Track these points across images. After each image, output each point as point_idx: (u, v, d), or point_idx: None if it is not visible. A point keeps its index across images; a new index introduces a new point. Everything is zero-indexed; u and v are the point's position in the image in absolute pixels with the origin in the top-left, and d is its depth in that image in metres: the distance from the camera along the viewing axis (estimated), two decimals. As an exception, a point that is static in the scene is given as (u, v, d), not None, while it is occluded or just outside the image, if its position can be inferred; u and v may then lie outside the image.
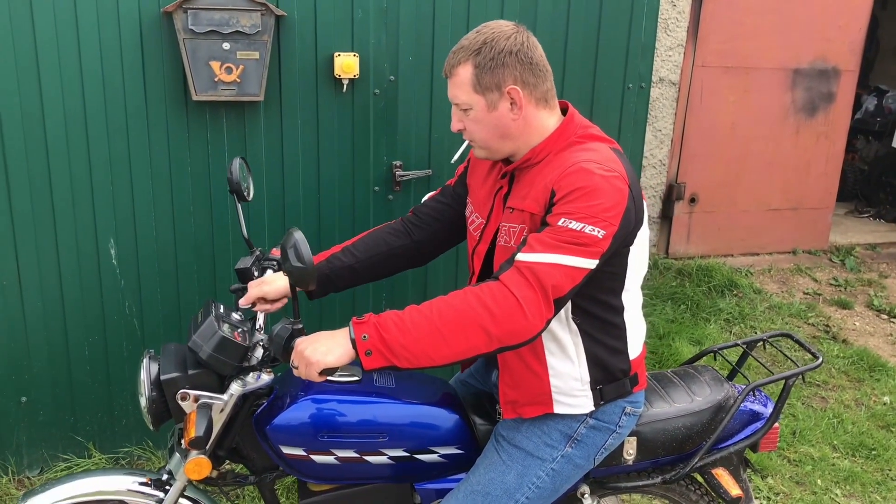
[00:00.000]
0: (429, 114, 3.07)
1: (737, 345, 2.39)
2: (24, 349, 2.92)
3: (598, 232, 1.68)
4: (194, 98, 2.76)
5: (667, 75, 5.32)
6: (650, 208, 5.54)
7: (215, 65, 2.74)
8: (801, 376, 2.21)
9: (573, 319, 1.86)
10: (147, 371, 1.88)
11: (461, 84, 1.80)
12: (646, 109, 3.36)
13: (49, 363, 2.96)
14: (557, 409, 1.91)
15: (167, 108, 2.83)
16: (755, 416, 2.20)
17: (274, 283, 2.04)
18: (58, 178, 2.79)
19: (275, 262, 2.15)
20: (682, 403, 2.14)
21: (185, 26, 2.68)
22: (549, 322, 1.68)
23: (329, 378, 1.73)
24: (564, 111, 1.92)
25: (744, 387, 2.17)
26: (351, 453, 1.96)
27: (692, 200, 5.66)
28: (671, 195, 5.58)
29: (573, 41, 3.14)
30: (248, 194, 2.13)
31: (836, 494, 3.24)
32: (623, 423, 1.98)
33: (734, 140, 5.61)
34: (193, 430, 1.78)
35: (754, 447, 2.19)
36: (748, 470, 2.27)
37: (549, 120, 1.86)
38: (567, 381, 1.89)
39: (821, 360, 2.23)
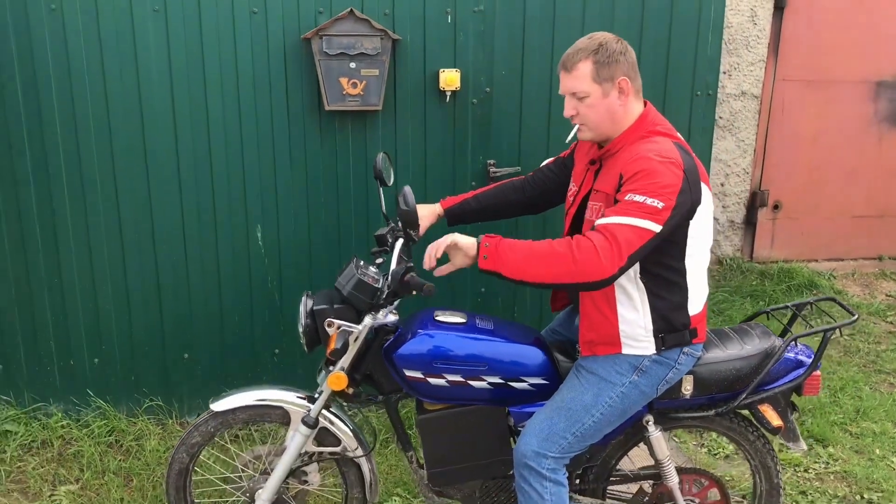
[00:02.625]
0: (518, 120, 3.60)
1: (787, 307, 2.76)
2: (188, 314, 3.60)
3: (658, 203, 2.14)
4: (326, 108, 3.39)
5: (749, 89, 5.67)
6: (734, 214, 5.86)
7: (343, 80, 3.36)
8: (838, 330, 2.55)
9: (640, 278, 2.31)
10: (304, 305, 2.52)
11: (582, 76, 2.30)
12: (713, 115, 3.78)
13: (206, 326, 3.63)
14: (624, 350, 2.37)
15: (304, 116, 3.47)
16: (799, 364, 2.57)
17: (424, 208, 2.76)
18: (218, 176, 3.47)
19: (403, 231, 2.67)
20: (734, 350, 2.54)
21: (321, 49, 3.31)
22: (621, 270, 2.13)
23: (441, 320, 2.53)
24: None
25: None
26: (458, 378, 2.49)
27: (776, 207, 5.94)
28: (755, 202, 5.88)
29: (646, 52, 3.61)
30: (389, 181, 2.67)
31: (893, 462, 3.53)
32: (682, 361, 2.41)
33: (816, 149, 5.88)
34: (334, 345, 2.39)
35: (798, 391, 2.57)
36: (795, 413, 2.63)
37: (638, 108, 2.36)
38: (633, 327, 2.35)
39: (856, 317, 2.58)
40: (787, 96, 5.75)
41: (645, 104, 2.40)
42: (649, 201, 2.14)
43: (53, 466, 3.35)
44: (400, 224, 2.38)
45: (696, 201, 2.25)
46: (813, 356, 2.58)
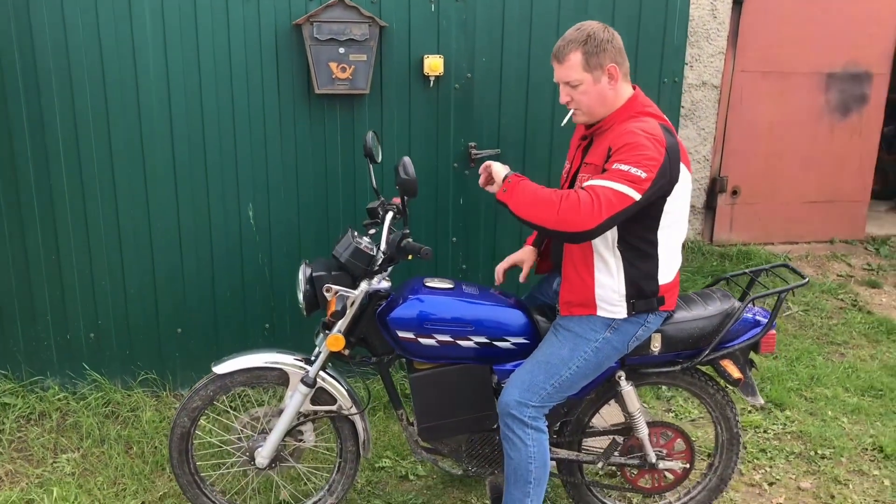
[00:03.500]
0: (498, 104, 3.80)
1: (745, 273, 3.01)
2: (182, 289, 3.74)
3: (641, 173, 2.33)
4: (316, 91, 3.55)
5: (709, 79, 5.96)
6: (695, 199, 6.16)
7: (333, 65, 3.52)
8: (791, 292, 2.87)
9: (617, 247, 2.52)
10: (303, 273, 2.73)
11: (573, 66, 2.51)
12: (679, 101, 4.03)
13: (199, 301, 3.77)
14: (599, 312, 2.59)
15: (294, 99, 3.63)
16: (756, 324, 2.82)
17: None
18: (211, 157, 3.62)
19: (394, 206, 2.86)
20: (698, 311, 2.79)
21: (311, 35, 3.48)
22: (598, 227, 2.32)
23: (430, 286, 2.76)
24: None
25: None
26: (447, 338, 2.71)
27: (734, 193, 6.25)
28: (714, 188, 6.18)
29: (616, 44, 3.84)
30: (378, 157, 2.84)
31: (843, 422, 3.82)
32: (650, 320, 2.64)
33: (772, 138, 6.20)
34: (334, 307, 2.60)
35: (756, 348, 2.83)
36: (753, 369, 2.89)
37: (627, 91, 2.56)
38: (608, 291, 2.56)
39: (807, 279, 2.83)
40: (745, 87, 6.05)
41: (634, 88, 2.60)
42: (633, 170, 2.34)
43: (54, 436, 3.47)
44: (399, 192, 2.57)
45: (675, 179, 2.45)
46: (769, 316, 2.82)
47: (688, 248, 6.04)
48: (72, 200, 3.57)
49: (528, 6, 3.73)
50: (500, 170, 2.55)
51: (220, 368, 2.79)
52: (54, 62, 3.42)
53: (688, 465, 2.98)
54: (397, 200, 2.86)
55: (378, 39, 3.57)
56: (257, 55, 3.56)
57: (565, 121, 2.70)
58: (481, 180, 2.64)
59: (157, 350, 3.80)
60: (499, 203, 2.50)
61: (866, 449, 3.61)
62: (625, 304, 2.57)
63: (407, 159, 2.53)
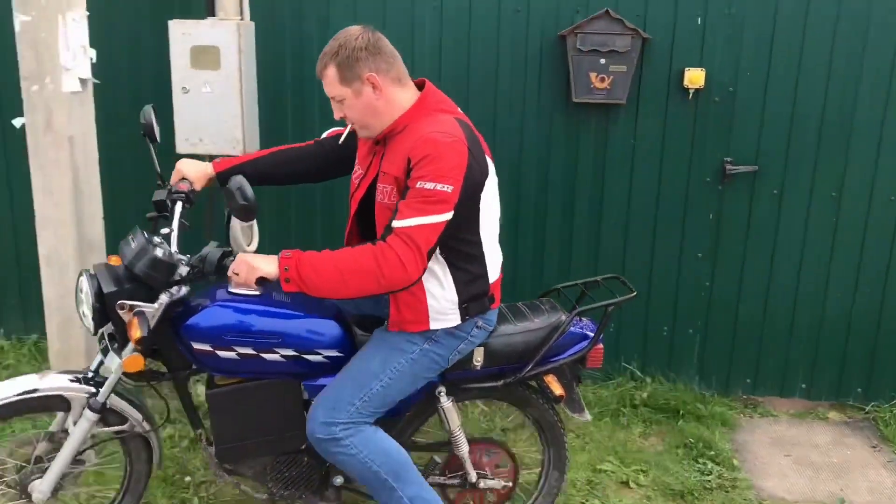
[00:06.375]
0: (760, 119, 3.70)
1: (576, 284, 2.83)
2: None
3: (447, 188, 2.17)
4: (573, 100, 3.69)
5: None
6: None
7: (592, 75, 3.64)
8: (618, 305, 2.67)
9: (440, 254, 2.33)
10: (89, 285, 2.34)
11: (331, 82, 2.29)
12: None
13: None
14: (433, 325, 2.40)
15: (553, 107, 3.80)
16: (584, 338, 2.69)
17: (196, 166, 2.61)
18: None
19: (183, 194, 2.51)
20: (523, 324, 2.63)
21: (574, 46, 3.62)
22: (425, 269, 2.21)
23: (235, 292, 2.43)
24: (421, 87, 2.40)
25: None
26: (249, 350, 2.44)
27: None
28: None
29: None
30: (157, 136, 2.56)
31: None
32: (474, 335, 2.48)
33: None
34: (139, 332, 2.25)
35: (583, 363, 2.69)
36: (579, 384, 2.79)
37: (406, 95, 2.33)
38: (440, 301, 2.38)
39: (635, 293, 2.70)
40: None
41: (423, 84, 2.40)
42: (439, 187, 2.17)
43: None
44: (234, 215, 2.25)
45: (484, 175, 2.31)
46: (596, 330, 2.69)
47: None
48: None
49: (800, 20, 3.60)
50: (259, 262, 2.21)
51: None
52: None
53: (510, 484, 2.84)
54: (184, 187, 2.54)
55: (640, 51, 3.62)
56: (522, 64, 3.77)
57: (342, 139, 2.57)
58: (233, 284, 2.31)
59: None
60: (288, 294, 2.29)
61: None
62: (458, 312, 2.41)
63: (241, 179, 2.18)
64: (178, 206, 2.47)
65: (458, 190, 2.19)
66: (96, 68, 3.16)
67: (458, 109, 2.44)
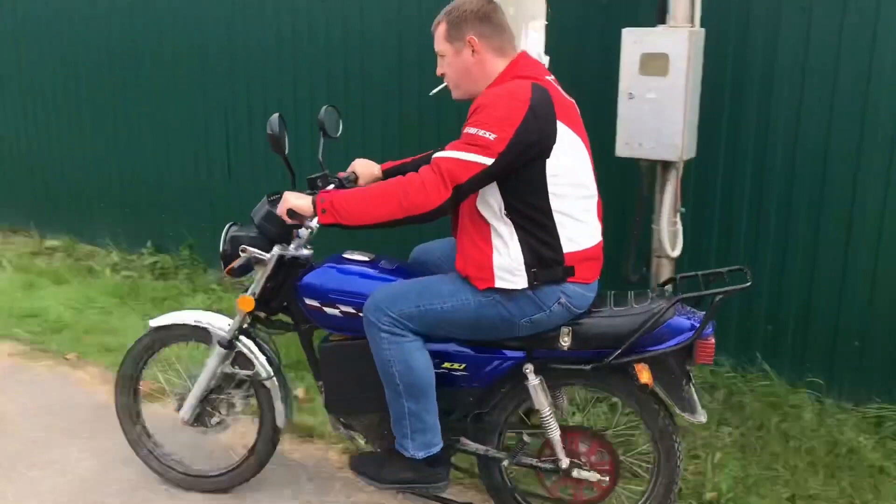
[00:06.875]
0: None
1: (696, 275, 2.63)
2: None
3: (490, 135, 2.27)
4: None
5: None
6: None
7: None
8: (727, 295, 2.47)
9: (506, 215, 2.41)
10: (225, 232, 2.81)
11: (439, 37, 2.51)
12: None
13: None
14: (498, 284, 2.43)
15: None
16: (691, 329, 2.47)
17: (368, 166, 2.98)
18: None
19: (337, 180, 2.85)
20: (620, 308, 2.54)
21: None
22: (449, 201, 2.30)
23: (347, 256, 2.77)
24: None
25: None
26: (350, 309, 2.67)
27: None
28: None
29: None
30: (335, 132, 2.93)
31: None
32: (555, 310, 2.46)
33: None
34: (235, 264, 2.75)
35: (691, 358, 2.50)
36: (690, 382, 2.57)
37: (501, 65, 2.48)
38: (505, 259, 2.42)
39: (749, 283, 2.47)
40: None
41: (519, 57, 2.50)
42: (481, 133, 2.28)
43: (719, 407, 3.80)
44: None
45: (548, 138, 2.32)
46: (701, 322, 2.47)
47: None
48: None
49: None
50: (299, 200, 2.49)
51: (155, 322, 3.01)
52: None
53: (607, 479, 2.68)
54: (342, 174, 2.88)
55: None
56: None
57: (434, 91, 2.75)
58: (286, 219, 2.54)
59: (830, 357, 3.82)
60: (326, 227, 2.45)
61: None
62: (525, 274, 2.42)
63: (274, 118, 2.60)
64: (331, 188, 2.77)
65: (504, 141, 2.27)
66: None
67: (548, 76, 2.52)
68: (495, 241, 2.45)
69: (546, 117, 2.35)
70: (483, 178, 2.33)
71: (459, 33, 2.48)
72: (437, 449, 2.63)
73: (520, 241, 2.43)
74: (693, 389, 2.60)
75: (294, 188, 2.71)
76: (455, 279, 2.56)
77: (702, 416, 2.57)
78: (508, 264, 2.44)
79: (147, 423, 3.26)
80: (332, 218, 2.43)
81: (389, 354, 2.53)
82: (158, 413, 3.47)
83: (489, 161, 2.29)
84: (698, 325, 2.49)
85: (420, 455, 2.61)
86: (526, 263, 2.43)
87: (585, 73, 4.02)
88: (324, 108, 2.90)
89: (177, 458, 3.25)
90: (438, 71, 2.60)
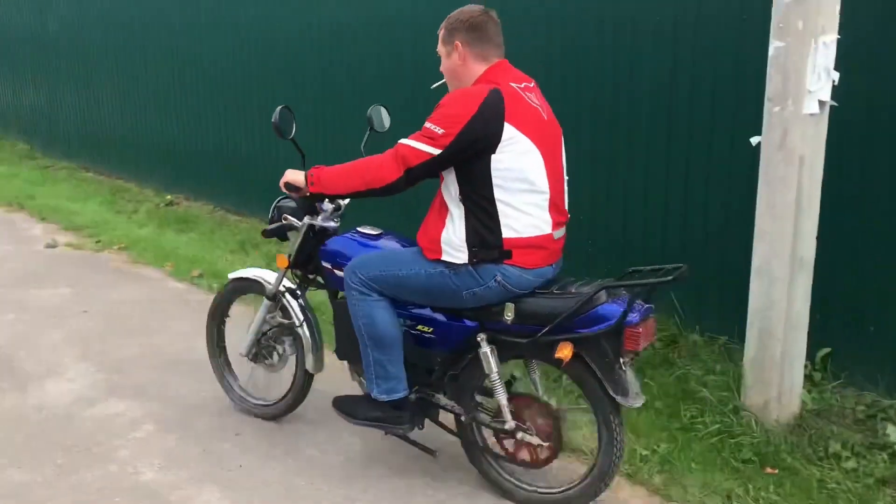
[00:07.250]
0: None
1: (642, 270, 2.73)
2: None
3: (438, 129, 2.64)
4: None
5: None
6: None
7: None
8: (648, 287, 2.66)
9: (460, 200, 2.75)
10: (276, 202, 3.41)
11: (440, 40, 2.88)
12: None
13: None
14: (444, 257, 2.79)
15: None
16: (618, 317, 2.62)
17: None
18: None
19: None
20: (560, 291, 2.77)
21: None
22: (400, 180, 2.71)
23: (360, 230, 3.27)
24: None
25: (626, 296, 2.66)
26: None
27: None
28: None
29: None
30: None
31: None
32: (491, 286, 2.75)
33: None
34: (268, 228, 3.35)
35: (619, 343, 2.65)
36: (626, 367, 2.69)
37: (481, 70, 2.81)
38: (451, 235, 2.77)
39: (671, 277, 2.58)
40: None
41: (497, 64, 2.81)
42: (432, 127, 2.65)
43: None
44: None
45: (493, 136, 2.62)
46: (635, 310, 2.64)
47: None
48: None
49: None
50: (296, 175, 3.01)
51: (232, 274, 3.67)
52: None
53: (549, 443, 2.89)
54: None
55: None
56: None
57: (434, 85, 3.02)
58: (284, 191, 3.08)
59: None
60: (314, 196, 3.00)
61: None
62: (466, 251, 2.74)
63: (277, 111, 3.15)
64: None
65: (451, 136, 2.62)
66: (836, 91, 3.15)
67: (522, 84, 2.78)
68: (447, 220, 2.79)
69: (493, 118, 2.62)
70: (431, 164, 2.68)
71: (451, 38, 2.83)
72: (398, 395, 3.00)
73: (466, 222, 2.74)
74: (627, 374, 2.71)
75: (304, 167, 3.10)
76: (416, 252, 2.93)
77: (635, 401, 2.68)
78: (453, 241, 2.77)
79: (229, 356, 3.82)
80: (319, 188, 2.94)
81: (357, 310, 2.96)
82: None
83: (437, 151, 2.65)
84: (635, 315, 2.64)
85: (383, 398, 3.01)
86: (468, 242, 2.74)
87: (879, 88, 3.46)
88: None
89: (247, 389, 3.81)
90: (441, 69, 2.96)
